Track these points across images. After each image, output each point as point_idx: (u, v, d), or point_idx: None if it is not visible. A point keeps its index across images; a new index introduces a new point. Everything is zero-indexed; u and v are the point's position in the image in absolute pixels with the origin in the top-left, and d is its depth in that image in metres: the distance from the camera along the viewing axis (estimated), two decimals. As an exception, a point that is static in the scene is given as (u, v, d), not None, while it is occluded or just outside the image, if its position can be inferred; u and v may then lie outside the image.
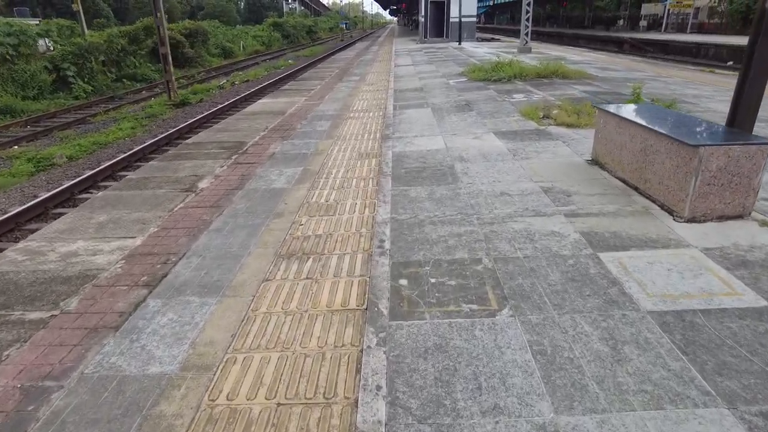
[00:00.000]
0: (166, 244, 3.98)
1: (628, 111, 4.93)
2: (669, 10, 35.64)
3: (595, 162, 5.29)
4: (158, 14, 16.80)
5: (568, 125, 6.85)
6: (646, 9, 40.62)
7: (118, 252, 3.89)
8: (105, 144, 13.17)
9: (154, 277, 3.45)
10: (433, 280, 3.15)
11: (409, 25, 67.65)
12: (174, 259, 3.70)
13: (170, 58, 17.42)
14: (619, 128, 4.75)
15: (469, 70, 13.18)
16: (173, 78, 17.63)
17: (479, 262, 3.35)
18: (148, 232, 4.24)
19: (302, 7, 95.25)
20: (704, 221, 3.78)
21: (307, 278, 3.30)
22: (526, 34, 19.32)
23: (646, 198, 4.28)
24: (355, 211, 4.39)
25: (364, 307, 2.92)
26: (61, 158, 11.72)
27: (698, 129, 4.15)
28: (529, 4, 18.86)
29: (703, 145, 3.56)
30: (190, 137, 8.98)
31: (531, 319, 2.72)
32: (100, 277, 3.51)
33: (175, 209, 4.71)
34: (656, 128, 4.13)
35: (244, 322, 2.87)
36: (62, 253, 3.91)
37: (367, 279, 3.23)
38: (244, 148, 6.76)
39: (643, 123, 4.34)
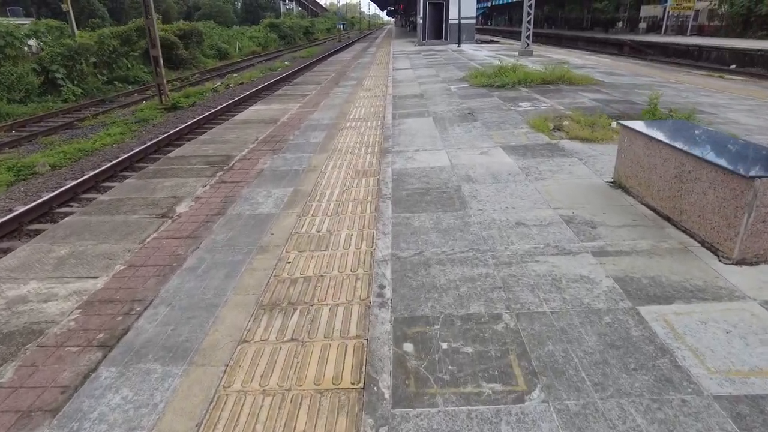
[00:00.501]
0: (132, 287, 3.41)
1: (658, 129, 4.39)
2: (669, 12, 35.19)
3: (618, 185, 4.75)
4: (149, 16, 16.18)
5: (583, 139, 6.31)
6: (645, 11, 40.20)
7: (74, 297, 3.32)
8: (91, 151, 12.60)
9: (113, 334, 2.89)
10: (444, 346, 2.60)
11: (406, 26, 67.12)
12: (138, 309, 3.13)
13: (161, 61, 16.82)
14: (648, 149, 4.21)
15: (470, 74, 12.64)
16: (164, 81, 17.04)
17: (499, 319, 2.79)
18: (114, 270, 3.67)
19: (299, 8, 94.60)
20: (756, 263, 3.24)
21: (292, 339, 2.74)
22: (528, 37, 18.80)
23: (683, 232, 3.74)
24: (350, 245, 3.83)
25: (361, 385, 2.36)
26: (44, 166, 11.14)
27: (746, 154, 3.61)
28: (530, 6, 18.34)
29: (761, 177, 3.02)
30: (176, 148, 8.43)
31: (569, 406, 2.17)
32: (48, 333, 2.94)
33: (148, 240, 4.14)
34: (696, 152, 3.59)
35: (213, 404, 2.30)
36: (9, 299, 3.33)
37: (365, 342, 2.67)
38: (231, 164, 6.19)
39: (679, 146, 3.79)
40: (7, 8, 45.35)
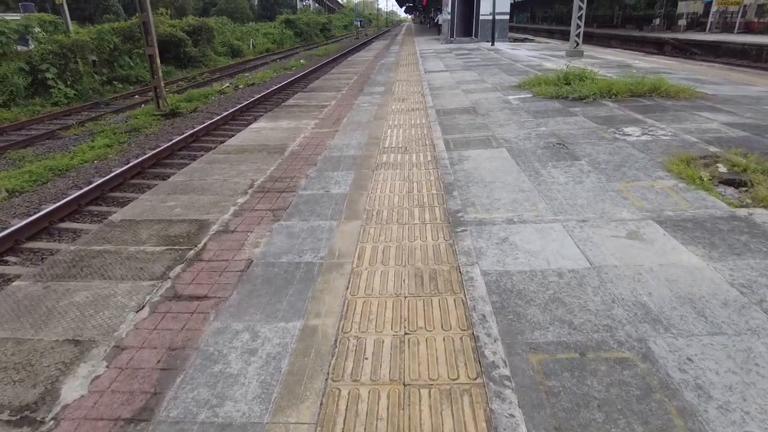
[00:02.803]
0: None
1: None
2: (716, 8, 31.84)
3: None
4: (144, 10, 13.73)
5: (795, 210, 3.63)
6: (683, 7, 36.81)
7: None
8: (64, 170, 10.25)
9: None
10: None
11: (425, 23, 64.16)
12: None
13: (159, 61, 14.39)
14: None
15: (527, 81, 9.94)
16: (162, 84, 14.61)
17: None
18: None
19: (316, 4, 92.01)
20: None
21: None
22: (578, 35, 15.97)
23: None
24: None
25: None
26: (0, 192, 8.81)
27: None
28: (582, 0, 15.50)
29: None
30: (125, 206, 5.99)
31: None
32: None
33: None
34: None
35: None
36: None
37: None
38: (202, 243, 3.65)
39: None
40: (20, 3, 43.62)
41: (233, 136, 10.04)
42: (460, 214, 3.92)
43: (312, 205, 4.28)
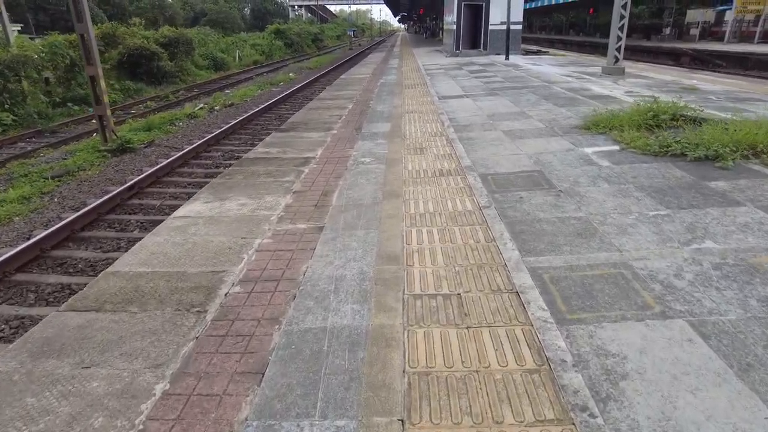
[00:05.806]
0: None
1: None
2: (733, 16, 29.09)
3: None
4: (81, 20, 10.53)
5: None
6: (698, 15, 34.08)
7: None
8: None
9: None
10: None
11: (421, 32, 61.23)
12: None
13: (103, 84, 11.17)
14: None
15: (594, 119, 6.81)
16: (108, 112, 11.37)
17: None
18: None
19: (309, 14, 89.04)
20: None
21: None
22: (618, 49, 12.91)
23: None
24: None
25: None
26: None
27: None
28: (624, 6, 12.48)
29: None
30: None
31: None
32: None
33: None
34: None
35: None
36: None
37: None
38: None
39: None
40: (-5, 13, 40.08)
41: (156, 222, 6.21)
42: None
43: None
